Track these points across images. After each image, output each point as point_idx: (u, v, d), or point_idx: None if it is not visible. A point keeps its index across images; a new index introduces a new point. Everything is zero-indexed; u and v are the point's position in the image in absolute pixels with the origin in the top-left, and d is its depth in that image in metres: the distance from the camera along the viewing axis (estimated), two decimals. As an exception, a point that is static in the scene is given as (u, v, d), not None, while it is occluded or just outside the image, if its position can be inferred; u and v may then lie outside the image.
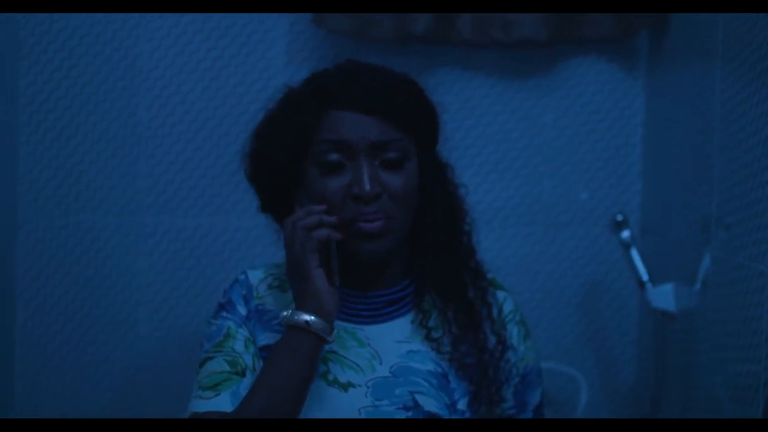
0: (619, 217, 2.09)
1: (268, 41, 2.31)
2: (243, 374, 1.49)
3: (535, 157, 2.34)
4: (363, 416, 1.49)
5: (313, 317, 1.43)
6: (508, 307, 1.64)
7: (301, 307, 1.44)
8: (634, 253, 2.06)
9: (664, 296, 1.99)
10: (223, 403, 1.45)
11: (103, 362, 2.32)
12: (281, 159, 1.51)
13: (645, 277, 2.04)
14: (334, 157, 1.48)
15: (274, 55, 2.32)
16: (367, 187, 1.46)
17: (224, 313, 1.57)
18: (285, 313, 1.45)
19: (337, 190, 1.47)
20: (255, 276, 1.61)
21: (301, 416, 1.47)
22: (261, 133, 1.56)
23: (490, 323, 1.60)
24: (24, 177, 2.28)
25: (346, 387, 1.51)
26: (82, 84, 2.28)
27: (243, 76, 2.31)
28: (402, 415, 1.50)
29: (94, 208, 2.31)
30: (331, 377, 1.52)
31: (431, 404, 1.52)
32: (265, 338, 1.55)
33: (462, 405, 1.54)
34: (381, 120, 1.48)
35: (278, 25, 2.31)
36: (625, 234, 2.08)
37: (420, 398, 1.51)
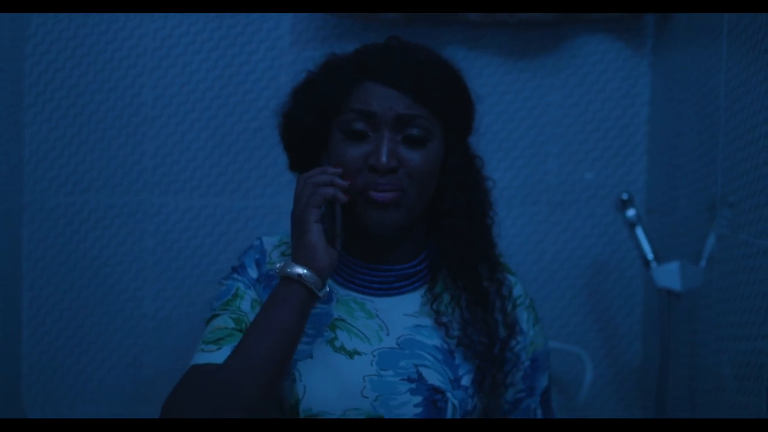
0: (625, 196, 2.09)
1: (273, 21, 2.30)
2: None
3: (541, 137, 2.34)
4: (367, 384, 1.51)
5: (305, 270, 1.45)
6: (517, 292, 1.65)
7: (295, 259, 1.46)
8: (640, 232, 2.06)
9: (669, 275, 1.99)
10: (223, 357, 1.47)
11: (108, 341, 2.33)
12: (311, 121, 1.56)
13: (650, 255, 2.04)
14: (359, 126, 1.51)
15: (279, 35, 2.31)
16: (384, 159, 1.48)
17: (235, 275, 1.61)
18: (279, 264, 1.48)
19: (356, 157, 1.50)
20: (269, 242, 1.65)
21: (307, 380, 1.50)
22: (297, 94, 1.60)
23: (502, 315, 1.62)
24: (29, 157, 2.28)
25: (352, 354, 1.53)
26: (87, 64, 2.28)
27: (248, 56, 2.31)
28: (405, 386, 1.51)
29: (100, 188, 2.31)
30: (338, 344, 1.54)
31: (435, 378, 1.52)
32: None
33: (466, 381, 1.55)
34: (409, 96, 1.51)
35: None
36: (631, 213, 2.08)
37: (424, 371, 1.53)
